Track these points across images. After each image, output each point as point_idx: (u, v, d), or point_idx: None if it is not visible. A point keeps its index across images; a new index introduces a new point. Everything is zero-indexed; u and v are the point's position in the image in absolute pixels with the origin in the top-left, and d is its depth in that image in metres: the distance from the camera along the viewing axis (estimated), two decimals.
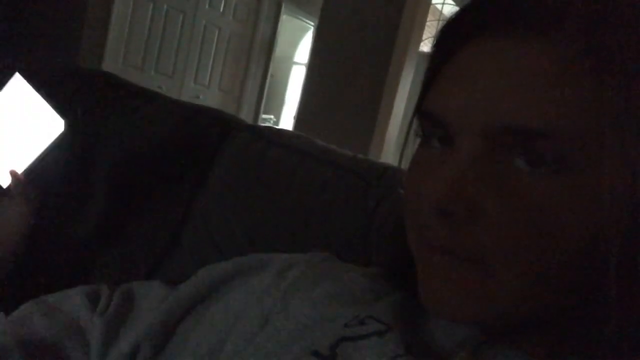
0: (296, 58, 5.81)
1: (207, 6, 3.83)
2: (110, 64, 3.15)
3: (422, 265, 0.36)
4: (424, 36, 2.44)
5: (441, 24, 0.38)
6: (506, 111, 0.31)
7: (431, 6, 2.69)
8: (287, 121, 5.65)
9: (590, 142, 0.29)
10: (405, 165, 0.42)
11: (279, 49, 4.62)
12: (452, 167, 0.32)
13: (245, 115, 4.21)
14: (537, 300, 0.33)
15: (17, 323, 0.52)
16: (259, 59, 4.37)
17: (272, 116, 5.46)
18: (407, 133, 0.40)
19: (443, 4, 3.96)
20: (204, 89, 3.97)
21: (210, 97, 3.91)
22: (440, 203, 0.31)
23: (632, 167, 0.29)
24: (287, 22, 4.69)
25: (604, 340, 0.31)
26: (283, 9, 4.44)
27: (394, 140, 2.31)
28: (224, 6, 3.98)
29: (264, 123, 4.33)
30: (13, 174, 0.63)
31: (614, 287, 0.30)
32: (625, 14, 0.29)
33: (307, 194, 0.64)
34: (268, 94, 4.64)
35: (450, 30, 0.36)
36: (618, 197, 0.29)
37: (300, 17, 4.86)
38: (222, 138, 0.74)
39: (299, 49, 5.74)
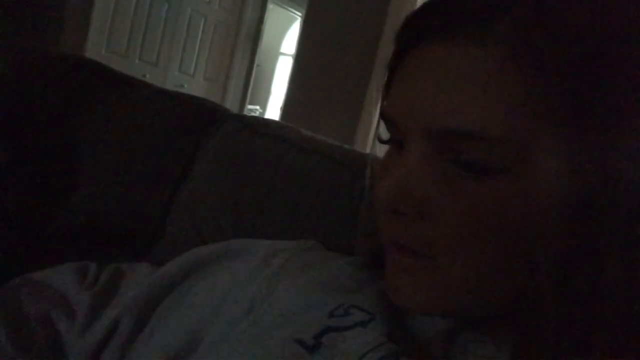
0: (283, 49, 5.77)
1: None
2: (93, 51, 3.10)
3: (386, 259, 0.38)
4: None
5: None
6: (442, 114, 0.32)
7: None
8: (273, 112, 5.63)
9: (521, 145, 0.31)
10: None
11: (265, 39, 4.58)
12: (401, 168, 0.34)
13: (231, 106, 4.18)
14: (485, 292, 0.35)
15: (2, 300, 0.51)
16: (245, 48, 4.34)
17: (257, 107, 5.43)
18: (375, 133, 0.41)
19: None
20: (189, 78, 3.92)
21: (195, 87, 3.87)
22: (390, 203, 0.34)
23: (559, 170, 0.30)
24: (274, 11, 4.66)
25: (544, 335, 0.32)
26: None
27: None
28: None
29: (249, 114, 4.30)
30: None
31: (548, 286, 0.31)
32: (552, 20, 0.30)
33: (294, 184, 0.64)
34: (254, 84, 4.61)
35: (401, 35, 0.38)
36: (547, 198, 0.31)
37: (287, 7, 4.83)
38: (208, 127, 0.73)
39: (286, 39, 5.71)
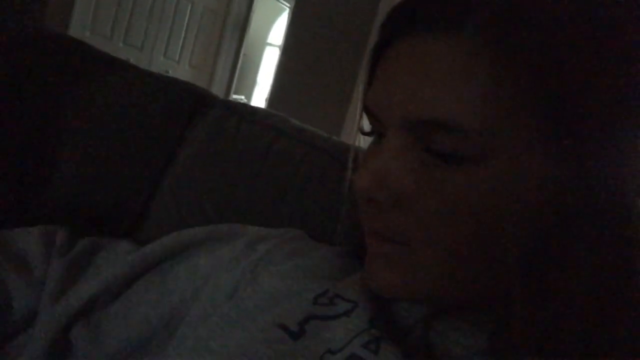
0: (270, 39, 5.73)
1: None
2: (77, 33, 3.03)
3: (367, 248, 0.39)
4: None
5: None
6: (418, 105, 0.33)
7: None
8: (258, 102, 5.59)
9: (494, 136, 0.31)
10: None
11: (253, 29, 4.54)
12: (378, 158, 0.35)
13: (216, 94, 4.13)
14: (459, 279, 0.36)
15: None
16: (232, 37, 4.29)
17: (242, 97, 5.39)
18: (357, 125, 0.42)
19: None
20: (174, 64, 3.87)
21: (180, 73, 3.82)
22: (366, 191, 0.35)
23: (531, 161, 0.31)
24: (262, 1, 4.61)
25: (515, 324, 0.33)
26: None
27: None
28: None
29: None
30: None
31: (516, 276, 0.32)
32: (524, 14, 0.31)
33: (281, 173, 0.64)
34: (240, 74, 4.57)
35: (383, 29, 0.39)
36: (519, 189, 0.32)
37: None
38: (195, 112, 0.72)
39: (273, 30, 5.67)
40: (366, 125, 0.41)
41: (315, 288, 0.44)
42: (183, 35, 3.89)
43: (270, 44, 5.71)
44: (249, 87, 5.68)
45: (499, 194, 0.32)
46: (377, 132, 0.39)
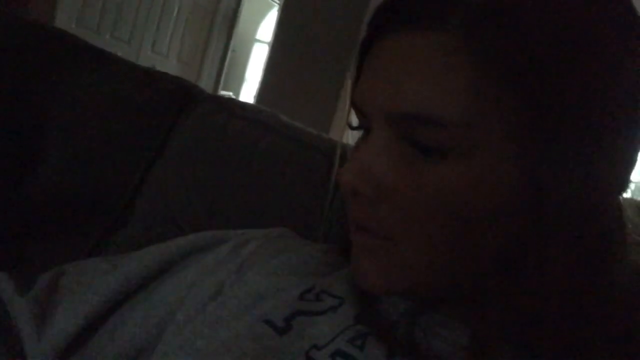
0: (259, 35, 5.70)
1: None
2: (63, 24, 2.98)
3: (353, 243, 0.39)
4: None
5: None
6: (402, 100, 0.34)
7: None
8: (246, 99, 5.57)
9: (476, 131, 0.32)
10: None
11: (242, 25, 4.51)
12: (363, 152, 0.36)
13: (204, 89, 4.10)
14: (442, 273, 0.36)
15: None
16: (221, 32, 4.26)
17: (230, 93, 5.37)
18: (346, 120, 0.43)
19: None
20: (162, 58, 3.83)
21: (168, 68, 3.78)
22: (351, 184, 0.35)
23: (510, 157, 0.32)
24: None
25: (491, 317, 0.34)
26: None
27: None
28: None
29: None
30: None
31: (493, 270, 0.33)
32: (506, 10, 0.31)
33: (269, 169, 0.64)
34: (228, 70, 4.54)
35: (370, 25, 0.39)
36: (498, 184, 0.33)
37: None
38: (184, 107, 0.72)
39: (262, 26, 5.64)
40: (354, 120, 0.42)
41: (301, 284, 0.44)
42: (171, 29, 3.85)
43: (259, 41, 5.68)
44: (237, 84, 5.65)
45: (479, 187, 0.33)
46: (365, 127, 0.39)
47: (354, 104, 0.39)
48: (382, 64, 0.36)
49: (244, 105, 0.73)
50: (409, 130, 0.34)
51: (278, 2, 4.78)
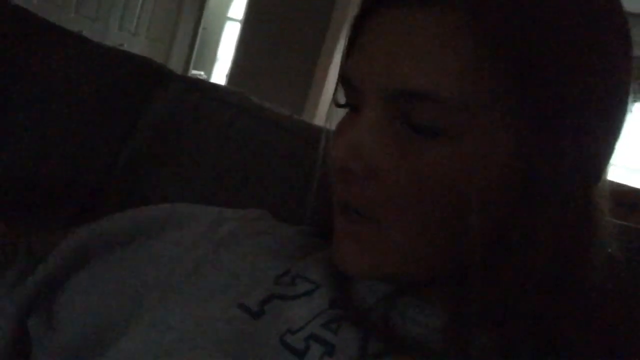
0: (230, 13, 5.58)
1: None
2: (23, 1, 2.85)
3: (335, 227, 0.39)
4: None
5: None
6: (399, 76, 0.33)
7: None
8: (218, 79, 5.47)
9: (471, 111, 0.32)
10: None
11: (213, 2, 4.41)
12: (355, 129, 0.35)
13: (174, 69, 4.01)
14: (426, 257, 0.36)
15: None
16: (191, 9, 4.16)
17: (202, 72, 5.26)
18: (333, 98, 0.42)
19: None
20: (130, 36, 3.72)
21: (137, 46, 3.67)
22: (340, 160, 0.35)
23: (503, 139, 0.32)
24: None
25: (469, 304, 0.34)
26: None
27: (328, 103, 2.31)
28: None
29: None
30: None
31: (477, 254, 0.33)
32: None
33: (244, 151, 0.63)
34: (199, 48, 4.44)
35: (363, 2, 0.38)
36: (489, 166, 0.33)
37: None
38: (154, 87, 0.70)
39: (234, 3, 5.52)
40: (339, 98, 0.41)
41: (277, 267, 0.44)
42: (139, 5, 3.74)
43: (231, 18, 5.57)
44: (208, 63, 5.54)
45: (470, 170, 0.33)
46: (353, 105, 0.39)
47: (344, 80, 0.38)
48: (379, 40, 0.35)
49: (216, 86, 0.72)
50: (404, 108, 0.34)
51: None
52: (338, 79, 0.40)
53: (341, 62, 0.41)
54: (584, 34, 0.32)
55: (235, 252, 0.47)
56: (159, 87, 0.70)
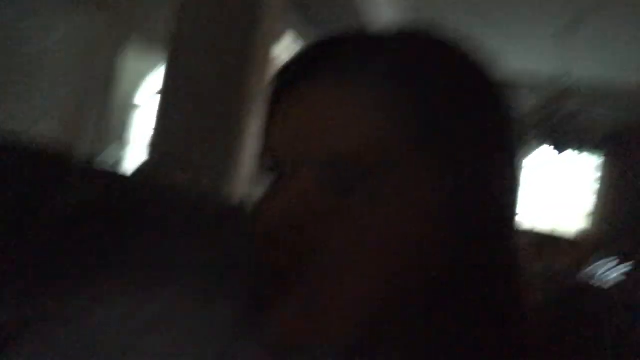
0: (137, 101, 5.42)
1: None
2: None
3: (265, 295, 0.38)
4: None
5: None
6: (325, 145, 0.35)
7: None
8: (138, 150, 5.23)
9: (398, 171, 0.35)
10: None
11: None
12: (284, 197, 0.35)
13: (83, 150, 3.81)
14: (367, 314, 0.36)
15: None
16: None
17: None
18: (258, 168, 0.42)
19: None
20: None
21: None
22: (273, 231, 0.35)
23: (434, 194, 0.35)
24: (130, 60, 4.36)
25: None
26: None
27: (249, 166, 2.27)
28: None
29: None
30: None
31: (418, 308, 0.35)
32: (411, 74, 0.36)
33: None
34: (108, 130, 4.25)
35: (280, 77, 0.41)
36: (421, 221, 0.35)
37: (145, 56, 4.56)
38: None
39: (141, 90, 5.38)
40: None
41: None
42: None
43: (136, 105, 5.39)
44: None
45: (404, 225, 0.35)
46: (280, 171, 0.38)
47: (270, 150, 0.39)
48: (300, 112, 0.37)
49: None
50: (334, 173, 0.35)
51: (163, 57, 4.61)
52: (261, 148, 0.41)
53: (264, 134, 0.41)
54: (473, 99, 0.37)
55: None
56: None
